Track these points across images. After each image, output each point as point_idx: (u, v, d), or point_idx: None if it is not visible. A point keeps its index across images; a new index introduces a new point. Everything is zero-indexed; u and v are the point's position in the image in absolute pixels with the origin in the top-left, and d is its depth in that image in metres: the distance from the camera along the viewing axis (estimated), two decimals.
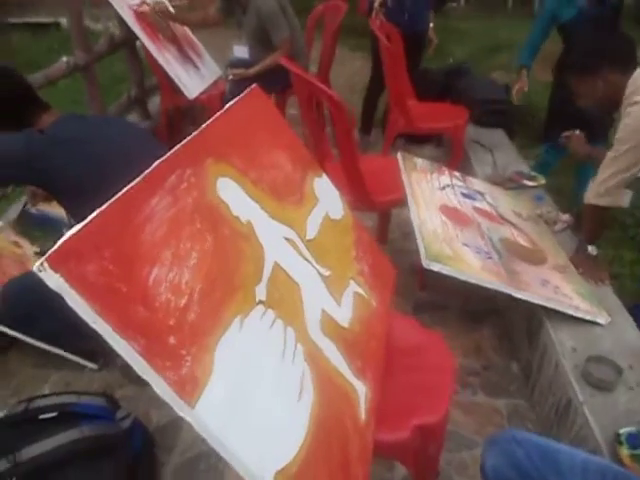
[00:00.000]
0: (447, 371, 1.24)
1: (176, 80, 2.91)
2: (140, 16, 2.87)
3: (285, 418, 0.86)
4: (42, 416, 1.46)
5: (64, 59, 2.50)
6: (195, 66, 3.23)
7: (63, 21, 6.80)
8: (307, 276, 1.12)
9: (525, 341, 1.86)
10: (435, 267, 1.58)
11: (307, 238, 1.20)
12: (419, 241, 1.67)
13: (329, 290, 1.17)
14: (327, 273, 1.20)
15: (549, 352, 1.63)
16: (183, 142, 1.00)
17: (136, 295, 0.72)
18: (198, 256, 0.86)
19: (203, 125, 1.08)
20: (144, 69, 3.32)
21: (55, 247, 0.66)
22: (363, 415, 1.05)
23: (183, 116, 3.51)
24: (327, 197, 1.38)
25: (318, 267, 1.18)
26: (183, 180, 0.92)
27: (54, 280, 0.64)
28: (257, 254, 1.00)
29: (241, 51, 3.38)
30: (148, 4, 3.01)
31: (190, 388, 0.72)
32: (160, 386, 0.70)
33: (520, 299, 1.65)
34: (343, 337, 1.13)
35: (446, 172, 2.24)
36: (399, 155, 2.18)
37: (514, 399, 1.77)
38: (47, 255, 0.64)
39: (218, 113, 1.16)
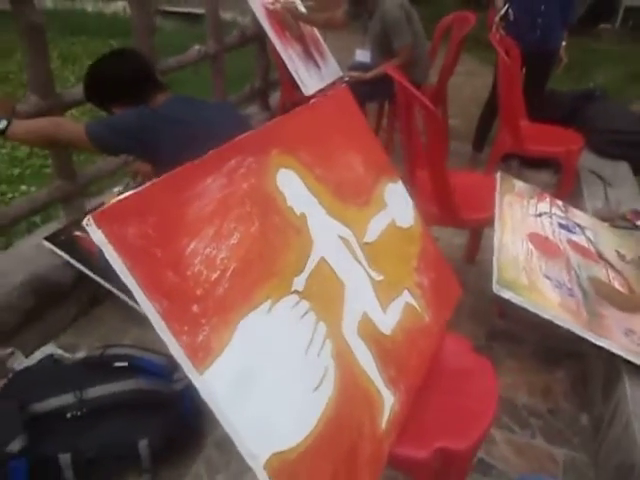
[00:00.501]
0: (488, 401, 1.19)
1: (295, 76, 3.03)
2: (271, 13, 3.03)
3: (296, 406, 0.89)
4: (116, 364, 1.62)
5: (196, 47, 2.72)
6: (317, 65, 3.33)
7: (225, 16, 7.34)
8: (355, 277, 1.13)
9: (600, 392, 1.70)
10: (505, 294, 1.50)
11: (365, 240, 1.21)
12: (494, 265, 1.60)
13: (377, 295, 1.17)
14: (379, 278, 1.20)
15: (621, 408, 1.48)
16: (254, 131, 1.06)
17: (169, 261, 0.79)
18: (240, 237, 0.91)
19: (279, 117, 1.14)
20: (270, 64, 3.49)
21: (103, 207, 0.75)
22: (384, 424, 1.04)
23: None
24: (397, 204, 1.37)
25: (370, 270, 1.18)
26: (242, 166, 0.97)
27: (97, 235, 0.72)
28: (304, 246, 1.03)
29: (363, 55, 3.44)
30: (280, 2, 3.16)
31: (202, 355, 0.78)
32: (174, 348, 0.76)
33: (601, 346, 1.52)
34: (380, 343, 1.12)
35: (547, 199, 2.11)
36: (498, 175, 2.10)
37: (575, 451, 1.63)
38: (94, 212, 0.72)
39: (300, 108, 1.21)
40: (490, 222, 1.92)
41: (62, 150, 2.06)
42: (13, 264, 2.00)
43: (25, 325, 1.89)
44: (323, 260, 1.07)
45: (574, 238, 1.93)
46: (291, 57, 3.05)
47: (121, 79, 1.56)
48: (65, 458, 1.38)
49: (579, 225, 2.04)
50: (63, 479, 1.39)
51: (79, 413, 1.48)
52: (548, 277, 1.64)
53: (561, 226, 1.97)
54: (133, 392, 1.51)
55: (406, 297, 1.26)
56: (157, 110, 1.56)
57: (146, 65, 1.64)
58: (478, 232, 2.33)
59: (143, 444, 1.45)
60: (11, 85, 5.27)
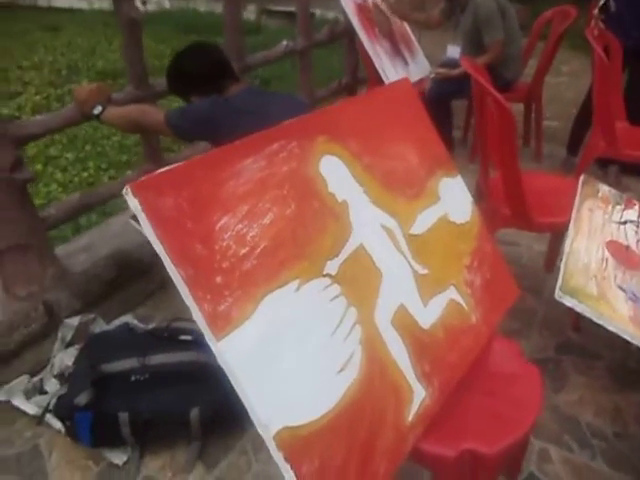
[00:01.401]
0: (529, 409, 1.13)
1: (381, 72, 3.02)
2: (361, 9, 3.05)
3: (315, 384, 0.90)
4: (181, 337, 1.73)
5: (284, 43, 2.80)
6: (405, 61, 3.30)
7: (317, 12, 7.51)
8: (395, 267, 1.13)
9: None
10: (567, 302, 1.41)
11: (411, 232, 1.20)
12: (561, 270, 1.50)
13: (418, 288, 1.16)
14: (423, 271, 1.19)
15: None
16: (303, 117, 1.09)
17: (199, 233, 0.84)
18: (274, 217, 0.94)
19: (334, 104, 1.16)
20: (359, 60, 3.51)
21: (142, 178, 0.81)
22: (411, 417, 1.03)
23: None
24: (453, 199, 1.34)
25: (413, 263, 1.17)
26: (285, 150, 1.01)
27: (133, 203, 0.79)
28: (342, 232, 1.05)
29: (454, 51, 3.36)
30: (374, 0, 3.18)
31: (221, 324, 0.82)
32: (195, 313, 0.81)
33: None
34: (417, 337, 1.11)
35: (637, 207, 1.94)
36: (581, 178, 1.96)
37: None
38: (133, 182, 0.79)
39: (355, 97, 1.22)
40: (567, 227, 1.80)
41: (152, 137, 2.22)
42: (103, 238, 2.19)
43: (108, 295, 2.07)
44: (362, 247, 1.07)
45: None
46: (378, 53, 3.05)
47: (197, 71, 1.66)
48: (124, 416, 1.50)
49: None
50: (121, 435, 1.51)
51: (142, 377, 1.60)
52: (622, 288, 1.51)
53: None
54: (191, 364, 1.61)
55: (452, 294, 1.23)
56: (229, 100, 1.63)
57: (222, 58, 1.73)
58: (558, 238, 2.19)
59: (194, 413, 1.53)
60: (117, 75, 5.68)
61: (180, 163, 0.87)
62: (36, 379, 1.80)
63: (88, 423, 1.49)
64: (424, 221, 1.24)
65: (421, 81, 3.35)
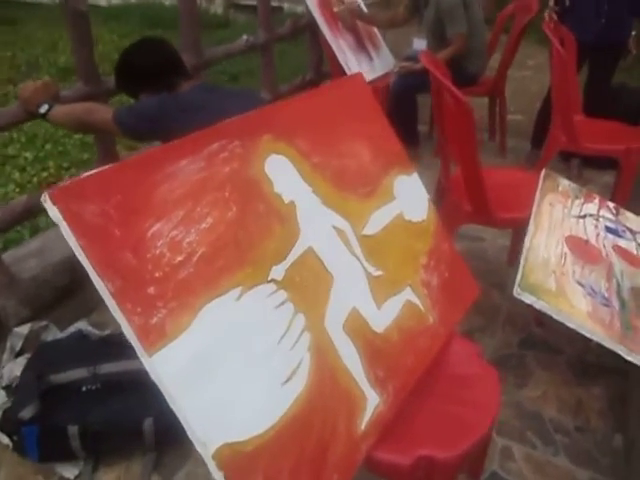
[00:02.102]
0: (486, 412, 1.10)
1: (345, 67, 2.99)
2: (324, 3, 3.00)
3: (258, 397, 0.86)
4: None
5: (244, 37, 2.73)
6: (369, 56, 3.27)
7: (285, 5, 7.42)
8: (347, 270, 1.09)
9: (638, 414, 1.55)
10: (526, 299, 1.40)
11: (364, 233, 1.16)
12: (520, 267, 1.49)
13: (372, 290, 1.12)
14: (377, 273, 1.15)
15: None
16: (246, 114, 1.04)
17: (128, 242, 0.78)
18: (213, 222, 0.89)
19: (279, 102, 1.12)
20: (323, 55, 3.46)
21: (63, 184, 0.75)
22: (364, 425, 0.99)
23: None
24: (409, 197, 1.31)
25: (367, 264, 1.13)
26: (226, 149, 0.96)
27: (52, 212, 0.73)
28: (288, 235, 1.00)
29: (420, 44, 3.34)
30: (344, 3, 3.13)
31: (154, 338, 0.77)
32: (125, 327, 0.76)
33: None
34: (370, 341, 1.07)
35: (596, 201, 1.95)
36: (542, 172, 1.96)
37: (602, 474, 1.49)
38: (51, 190, 0.73)
39: (304, 93, 1.18)
40: (526, 223, 1.80)
41: (106, 135, 2.14)
42: (55, 242, 2.10)
43: (60, 301, 1.99)
44: (310, 250, 1.03)
45: (621, 243, 1.77)
46: (341, 48, 3.01)
47: (146, 68, 1.59)
48: (73, 429, 1.43)
49: (630, 230, 1.86)
50: (71, 449, 1.45)
51: (93, 387, 1.54)
52: (581, 283, 1.50)
53: (608, 229, 1.81)
54: (144, 371, 1.54)
55: (408, 295, 1.20)
56: (179, 97, 1.57)
57: (172, 54, 1.66)
58: (520, 233, 2.19)
59: (148, 422, 1.48)
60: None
61: (107, 166, 0.81)
62: None
63: (35, 437, 1.43)
64: (378, 221, 1.20)
65: (386, 75, 3.33)
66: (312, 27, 3.24)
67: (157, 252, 0.81)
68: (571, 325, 1.38)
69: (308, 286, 1.00)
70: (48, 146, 4.18)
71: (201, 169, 0.91)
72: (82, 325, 1.94)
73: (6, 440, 1.53)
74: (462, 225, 1.97)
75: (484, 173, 1.80)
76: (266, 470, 0.83)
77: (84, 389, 1.53)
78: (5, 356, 1.77)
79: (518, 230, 2.16)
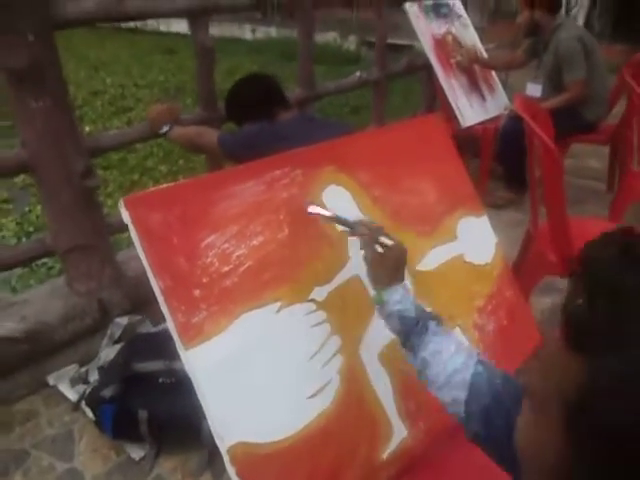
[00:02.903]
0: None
1: (454, 106, 3.00)
2: (439, 43, 3.06)
3: (280, 406, 0.92)
4: None
5: (357, 73, 2.87)
6: (482, 97, 3.24)
7: (416, 44, 7.55)
8: None
9: None
10: None
11: (418, 268, 1.19)
12: None
13: None
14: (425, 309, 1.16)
15: None
16: (314, 146, 1.13)
17: (183, 249, 0.90)
18: (264, 240, 0.98)
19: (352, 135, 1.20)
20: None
21: (138, 194, 0.89)
22: (386, 454, 1.01)
23: (463, 146, 3.57)
24: (473, 239, 1.31)
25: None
26: (287, 176, 1.05)
27: (125, 215, 0.87)
28: (337, 260, 1.07)
29: (534, 89, 3.24)
30: (453, 35, 3.17)
31: (192, 334, 0.87)
32: (169, 321, 0.87)
33: None
34: (406, 375, 1.09)
35: None
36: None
37: None
38: (127, 197, 0.87)
39: (376, 130, 1.25)
40: None
41: (213, 157, 2.37)
42: None
43: (157, 299, 2.21)
44: (357, 277, 1.08)
45: None
46: (452, 87, 3.03)
47: (249, 99, 1.77)
48: (143, 414, 1.59)
49: None
50: (139, 432, 1.61)
51: (169, 380, 1.70)
52: None
53: None
54: None
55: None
56: (276, 126, 1.72)
57: (272, 87, 1.82)
58: None
59: (206, 424, 1.59)
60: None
61: (176, 182, 0.94)
62: (83, 369, 1.96)
63: (111, 415, 1.60)
64: (434, 258, 1.22)
65: (498, 117, 3.28)
66: (428, 65, 3.30)
67: (207, 260, 0.91)
68: None
69: (349, 311, 1.05)
70: (181, 162, 4.64)
71: (261, 192, 1.01)
72: None
73: (90, 414, 1.74)
74: (547, 276, 1.89)
75: (578, 224, 1.73)
76: (277, 476, 0.89)
77: (160, 380, 1.68)
78: (105, 341, 2.01)
79: None
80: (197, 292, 0.89)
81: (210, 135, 1.84)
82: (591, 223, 1.89)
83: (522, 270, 1.82)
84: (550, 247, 1.74)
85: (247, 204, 0.98)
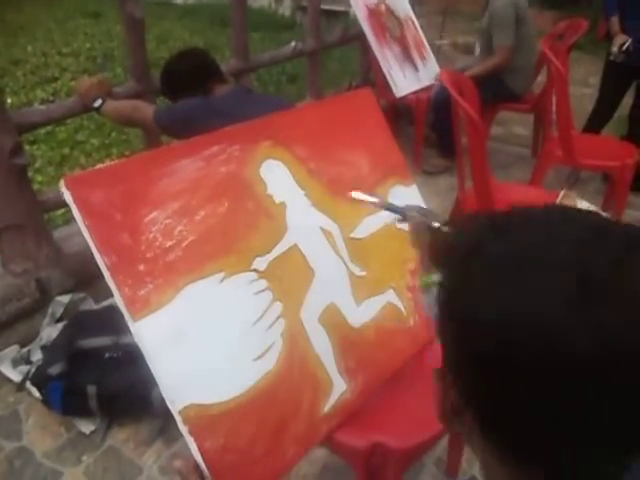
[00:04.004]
0: None
1: (387, 77, 3.08)
2: (373, 12, 3.10)
3: (227, 369, 0.98)
4: None
5: (292, 44, 2.88)
6: (415, 67, 3.34)
7: (351, 10, 7.52)
8: (329, 267, 1.20)
9: None
10: None
11: (352, 235, 1.26)
12: None
13: (353, 288, 1.22)
14: (360, 273, 1.25)
15: None
16: (249, 122, 1.17)
17: (127, 225, 0.93)
18: (205, 215, 1.02)
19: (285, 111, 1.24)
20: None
21: (78, 173, 0.91)
22: (327, 408, 1.10)
23: (399, 115, 3.67)
24: None
25: (351, 265, 1.24)
26: (225, 152, 1.09)
27: (66, 195, 0.89)
28: (275, 231, 1.12)
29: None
30: (386, 4, 3.23)
31: (139, 306, 0.91)
32: (116, 295, 0.91)
33: None
34: (344, 334, 1.18)
35: None
36: (562, 192, 1.98)
37: None
38: (68, 177, 0.89)
39: (309, 104, 1.30)
40: None
41: (150, 131, 2.34)
42: None
43: (99, 277, 2.19)
44: (295, 247, 1.15)
45: None
46: (386, 57, 3.10)
47: (183, 75, 1.77)
48: (92, 389, 1.62)
49: None
50: (88, 406, 1.63)
51: (115, 355, 1.72)
52: None
53: None
54: None
55: (389, 296, 1.29)
56: (210, 101, 1.73)
57: (207, 61, 1.83)
58: None
59: (157, 391, 1.63)
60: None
61: (117, 161, 0.96)
62: (25, 350, 1.94)
63: (60, 392, 1.62)
64: (368, 226, 1.30)
65: (430, 87, 3.38)
66: (363, 35, 3.34)
67: (151, 236, 0.95)
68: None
69: (289, 279, 1.12)
70: (114, 134, 4.49)
71: (200, 168, 1.04)
72: (115, 300, 2.15)
73: (37, 393, 1.75)
74: None
75: (503, 188, 1.86)
76: (227, 433, 0.95)
77: (107, 356, 1.71)
78: (46, 320, 2.00)
79: None
80: (142, 267, 0.93)
81: (145, 110, 1.83)
82: (513, 188, 2.03)
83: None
84: (475, 210, 1.87)
85: (187, 180, 1.02)
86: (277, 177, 1.16)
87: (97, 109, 1.91)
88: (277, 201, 1.14)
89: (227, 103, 1.73)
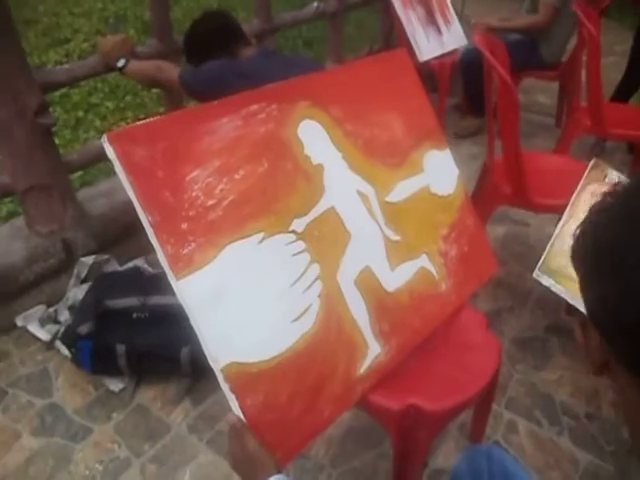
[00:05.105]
0: (479, 377, 1.19)
1: (411, 40, 3.00)
2: None
3: (268, 329, 0.99)
4: None
5: (314, 4, 2.81)
6: (438, 31, 3.25)
7: None
8: (365, 231, 1.18)
9: None
10: (544, 281, 1.44)
11: (387, 199, 1.25)
12: (545, 251, 1.53)
13: (387, 253, 1.22)
14: (395, 237, 1.24)
15: None
16: (287, 81, 1.15)
17: (169, 183, 0.92)
18: (244, 174, 1.01)
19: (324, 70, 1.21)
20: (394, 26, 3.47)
21: (120, 129, 0.90)
22: (362, 370, 1.11)
23: (421, 80, 3.59)
24: (438, 171, 1.37)
25: (386, 228, 1.23)
26: (263, 111, 1.07)
27: (109, 151, 0.88)
28: (312, 193, 1.11)
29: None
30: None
31: (182, 265, 0.91)
32: (159, 254, 0.90)
33: None
34: (379, 298, 1.17)
35: None
36: (592, 161, 1.94)
37: (603, 461, 1.54)
38: (110, 132, 0.88)
39: (345, 65, 1.27)
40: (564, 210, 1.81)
41: (174, 92, 2.31)
42: (122, 185, 2.31)
43: (123, 238, 2.20)
44: (332, 209, 1.14)
45: None
46: (410, 20, 3.02)
47: (207, 38, 1.73)
48: (121, 348, 1.64)
49: None
50: (117, 365, 1.66)
51: (142, 315, 1.74)
52: None
53: None
54: None
55: (423, 261, 1.28)
56: (237, 63, 1.69)
57: (231, 24, 1.79)
58: None
59: (185, 351, 1.66)
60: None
61: (158, 117, 0.94)
62: (51, 309, 1.97)
63: (89, 351, 1.64)
64: (403, 190, 1.28)
65: (454, 51, 3.30)
66: None
67: (192, 194, 0.94)
68: (585, 311, 1.41)
69: (326, 240, 1.11)
70: (128, 97, 4.45)
71: (239, 127, 1.02)
72: (139, 262, 2.16)
73: (66, 352, 1.77)
74: (502, 206, 2.01)
75: (531, 157, 1.83)
76: (267, 391, 0.96)
77: (134, 316, 1.73)
78: (72, 281, 2.02)
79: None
80: (185, 225, 0.92)
81: (171, 71, 1.80)
82: (541, 157, 2.00)
83: (478, 200, 1.92)
84: (505, 179, 1.84)
85: (227, 139, 1.00)
86: (315, 138, 1.14)
87: (120, 69, 1.89)
88: (315, 162, 1.13)
89: (255, 65, 1.69)
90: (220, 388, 1.69)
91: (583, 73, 2.79)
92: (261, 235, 1.01)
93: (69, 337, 1.70)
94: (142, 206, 0.88)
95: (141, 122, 0.92)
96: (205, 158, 0.97)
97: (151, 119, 0.94)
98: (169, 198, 0.91)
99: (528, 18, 2.91)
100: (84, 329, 1.63)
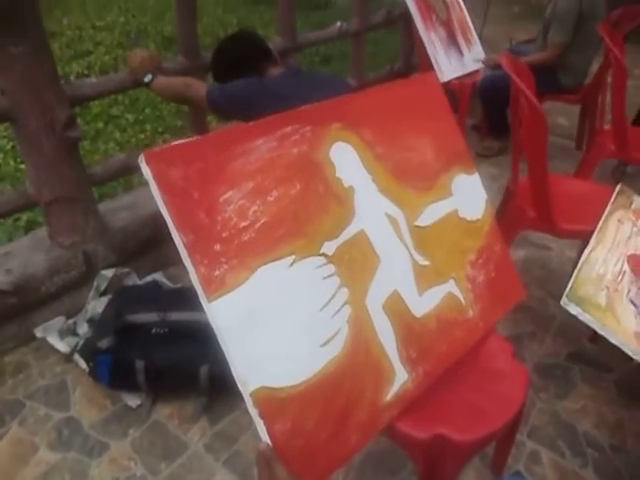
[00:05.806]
0: (507, 406, 1.16)
1: (432, 60, 3.01)
2: None
3: (297, 353, 0.97)
4: None
5: (338, 24, 2.83)
6: (460, 52, 3.26)
7: None
8: (394, 255, 1.17)
9: None
10: (572, 309, 1.42)
11: (416, 223, 1.24)
12: (572, 278, 1.50)
13: (416, 277, 1.20)
14: (424, 262, 1.23)
15: None
16: (320, 103, 1.15)
17: (203, 203, 0.92)
18: (278, 196, 1.01)
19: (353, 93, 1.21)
20: (415, 47, 3.49)
21: (157, 149, 0.90)
22: (389, 397, 1.09)
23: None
24: (466, 196, 1.36)
25: (414, 253, 1.22)
26: (297, 133, 1.07)
27: (145, 170, 0.88)
28: (343, 216, 1.10)
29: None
30: None
31: (214, 287, 0.90)
32: (192, 275, 0.89)
33: None
34: (407, 323, 1.16)
35: None
36: (618, 187, 1.92)
37: None
38: (147, 152, 0.88)
39: (375, 87, 1.27)
40: (589, 236, 1.79)
41: (199, 108, 2.33)
42: (145, 199, 2.32)
43: (143, 252, 2.21)
44: (362, 232, 1.13)
45: None
46: (432, 40, 3.03)
47: (236, 59, 1.75)
48: (140, 364, 1.63)
49: None
50: (136, 381, 1.65)
51: (162, 331, 1.73)
52: (634, 303, 1.50)
53: None
54: (208, 324, 1.71)
55: (450, 287, 1.27)
56: (264, 82, 1.70)
57: (257, 44, 1.80)
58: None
59: (204, 369, 1.65)
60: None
61: (194, 138, 0.94)
62: (71, 321, 1.97)
63: (108, 366, 1.64)
64: (432, 214, 1.27)
65: (475, 72, 3.31)
66: (406, 17, 3.27)
67: (226, 215, 0.94)
68: (614, 341, 1.39)
69: (355, 264, 1.10)
70: (148, 110, 4.50)
71: (273, 148, 1.02)
72: (158, 276, 2.16)
73: (84, 365, 1.77)
74: (525, 230, 1.99)
75: (555, 181, 1.81)
76: (294, 416, 0.95)
77: (154, 331, 1.72)
78: (91, 294, 2.02)
79: (585, 244, 2.14)
80: (218, 246, 0.91)
81: (198, 87, 1.81)
82: (565, 181, 1.98)
83: (502, 224, 1.90)
84: (530, 203, 1.83)
85: (261, 160, 1.00)
86: (346, 160, 1.13)
87: (147, 84, 1.90)
88: (346, 185, 1.12)
89: (282, 84, 1.70)
90: (237, 408, 1.69)
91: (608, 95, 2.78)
92: (292, 257, 1.00)
93: (88, 350, 1.70)
94: (177, 226, 0.88)
95: (177, 142, 0.92)
96: (239, 179, 0.96)
97: (187, 140, 0.94)
98: (204, 219, 0.91)
99: (535, 56, 2.91)
100: (104, 343, 1.62)
